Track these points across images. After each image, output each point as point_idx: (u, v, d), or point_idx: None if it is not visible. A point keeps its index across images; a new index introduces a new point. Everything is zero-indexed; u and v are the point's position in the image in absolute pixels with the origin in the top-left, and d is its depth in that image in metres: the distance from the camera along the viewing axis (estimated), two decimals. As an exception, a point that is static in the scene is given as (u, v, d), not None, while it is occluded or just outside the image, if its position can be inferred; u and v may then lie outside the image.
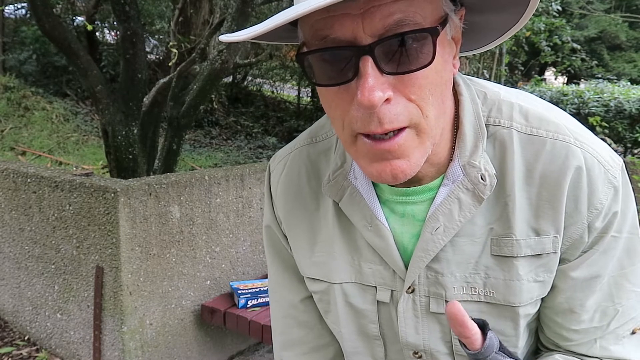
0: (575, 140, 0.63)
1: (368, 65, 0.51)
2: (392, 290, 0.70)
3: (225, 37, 0.55)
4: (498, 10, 0.61)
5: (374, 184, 0.69)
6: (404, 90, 0.54)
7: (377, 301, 0.71)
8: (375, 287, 0.71)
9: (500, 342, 0.58)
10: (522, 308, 0.66)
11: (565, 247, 0.64)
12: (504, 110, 0.66)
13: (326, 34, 0.53)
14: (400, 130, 0.55)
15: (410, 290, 0.68)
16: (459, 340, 0.60)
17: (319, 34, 0.53)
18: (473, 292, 0.66)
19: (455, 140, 0.66)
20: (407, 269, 0.68)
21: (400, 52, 0.52)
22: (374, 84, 0.51)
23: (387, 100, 0.53)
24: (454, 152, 0.65)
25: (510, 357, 0.58)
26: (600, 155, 0.63)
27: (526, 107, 0.67)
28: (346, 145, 0.60)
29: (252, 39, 0.58)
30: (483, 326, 0.59)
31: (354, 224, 0.70)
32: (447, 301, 0.67)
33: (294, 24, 0.58)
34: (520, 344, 0.70)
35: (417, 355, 0.72)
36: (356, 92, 0.53)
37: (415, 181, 0.66)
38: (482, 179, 0.63)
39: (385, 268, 0.69)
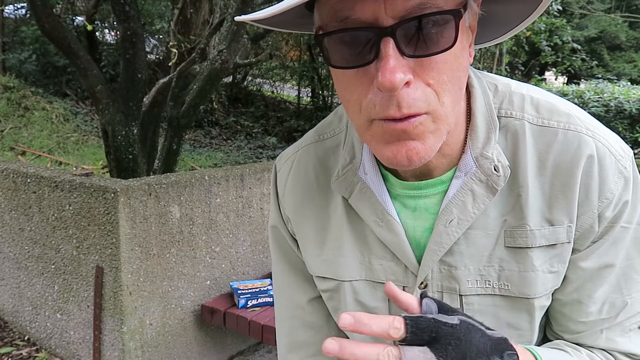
0: (587, 130, 0.63)
1: (389, 47, 0.51)
2: (404, 286, 0.69)
3: (242, 17, 0.55)
4: (513, 0, 0.61)
5: (384, 179, 0.69)
6: (423, 75, 0.53)
7: (389, 298, 0.70)
8: None
9: (439, 307, 0.55)
10: (537, 300, 0.65)
11: (576, 237, 0.64)
12: (515, 102, 0.67)
13: (347, 15, 0.52)
14: (417, 114, 0.54)
15: (422, 285, 0.68)
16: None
17: (339, 15, 0.53)
18: (487, 285, 0.66)
19: (467, 132, 0.66)
20: (419, 264, 0.67)
21: (422, 35, 0.52)
22: (396, 65, 0.51)
23: (407, 83, 0.52)
24: (466, 144, 0.65)
25: (453, 314, 0.55)
26: (612, 145, 0.63)
27: (537, 98, 0.67)
28: (361, 131, 0.59)
29: (264, 24, 0.58)
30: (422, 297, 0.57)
31: (365, 219, 0.69)
32: (461, 295, 0.66)
33: (310, 8, 0.58)
34: (534, 340, 0.69)
35: None
36: (376, 74, 0.52)
37: (426, 174, 0.66)
38: (495, 170, 0.63)
39: (396, 264, 0.69)
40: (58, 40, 3.60)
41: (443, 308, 0.54)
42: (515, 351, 0.51)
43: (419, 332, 0.49)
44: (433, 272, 0.67)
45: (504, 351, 0.51)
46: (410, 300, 0.55)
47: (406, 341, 0.50)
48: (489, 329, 0.53)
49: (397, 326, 0.49)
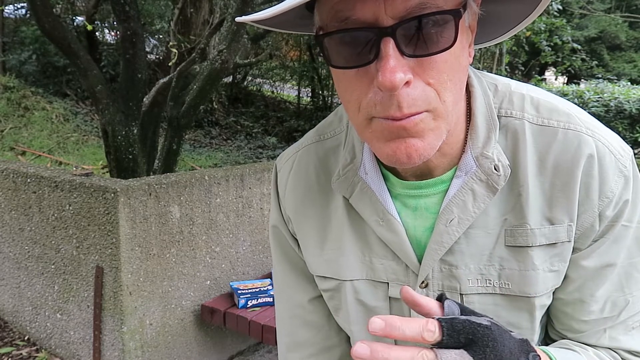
0: (587, 130, 0.64)
1: (389, 47, 0.51)
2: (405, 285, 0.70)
3: (242, 18, 0.55)
4: (513, 0, 0.61)
5: (385, 179, 0.69)
6: (423, 74, 0.54)
7: (389, 297, 0.70)
8: (388, 283, 0.70)
9: (461, 308, 0.53)
10: (537, 299, 0.65)
11: (577, 236, 0.64)
12: (515, 101, 0.67)
13: (347, 15, 0.53)
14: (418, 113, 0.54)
15: (423, 284, 0.68)
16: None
17: (340, 15, 0.53)
18: (488, 284, 0.66)
19: (467, 132, 0.66)
20: (420, 263, 0.67)
21: (422, 35, 0.52)
22: (396, 65, 0.51)
23: (407, 83, 0.52)
24: (466, 144, 0.66)
25: (479, 316, 0.54)
26: (612, 145, 0.64)
27: (537, 98, 0.67)
28: (360, 129, 0.59)
29: (265, 25, 0.58)
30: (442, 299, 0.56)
31: (365, 219, 0.69)
32: (462, 294, 0.67)
33: (310, 9, 0.58)
34: (535, 339, 0.69)
35: None
36: (376, 74, 0.52)
37: (427, 174, 0.66)
38: (495, 169, 0.63)
39: (397, 263, 0.69)
40: (58, 40, 3.60)
41: (465, 310, 0.53)
42: (537, 353, 0.52)
43: (454, 334, 0.48)
44: (434, 271, 0.67)
45: (528, 352, 0.51)
46: (431, 304, 0.54)
47: (441, 344, 0.47)
48: (510, 330, 0.53)
49: (431, 329, 0.48)
